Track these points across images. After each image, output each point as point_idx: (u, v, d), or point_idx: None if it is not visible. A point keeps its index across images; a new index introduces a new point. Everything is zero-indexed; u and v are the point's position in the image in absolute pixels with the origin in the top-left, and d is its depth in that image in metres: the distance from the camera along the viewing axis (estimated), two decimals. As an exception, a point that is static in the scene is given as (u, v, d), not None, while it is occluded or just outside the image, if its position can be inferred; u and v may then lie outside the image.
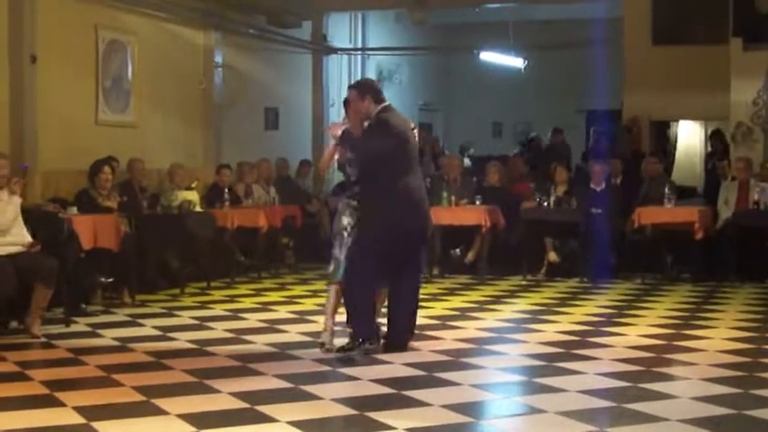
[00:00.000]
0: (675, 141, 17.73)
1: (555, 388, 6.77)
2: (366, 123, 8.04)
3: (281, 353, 8.04)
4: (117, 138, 12.53)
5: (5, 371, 7.38)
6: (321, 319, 9.41)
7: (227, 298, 11.13)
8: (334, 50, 18.54)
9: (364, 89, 8.16)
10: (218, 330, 9.07)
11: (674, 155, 17.41)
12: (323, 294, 11.22)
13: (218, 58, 14.85)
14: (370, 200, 7.98)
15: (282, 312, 10.11)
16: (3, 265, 8.51)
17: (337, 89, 18.45)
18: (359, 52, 19.49)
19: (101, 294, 10.47)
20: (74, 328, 9.16)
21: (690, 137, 18.31)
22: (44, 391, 6.67)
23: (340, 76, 18.81)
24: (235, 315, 9.95)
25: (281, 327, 9.24)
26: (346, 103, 8.27)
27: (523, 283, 12.50)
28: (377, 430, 5.73)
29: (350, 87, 8.41)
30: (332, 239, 8.15)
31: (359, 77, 19.40)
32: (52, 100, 11.56)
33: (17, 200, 8.87)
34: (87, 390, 6.79)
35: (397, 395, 6.58)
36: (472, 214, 12.84)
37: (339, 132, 8.05)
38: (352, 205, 8.02)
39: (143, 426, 5.84)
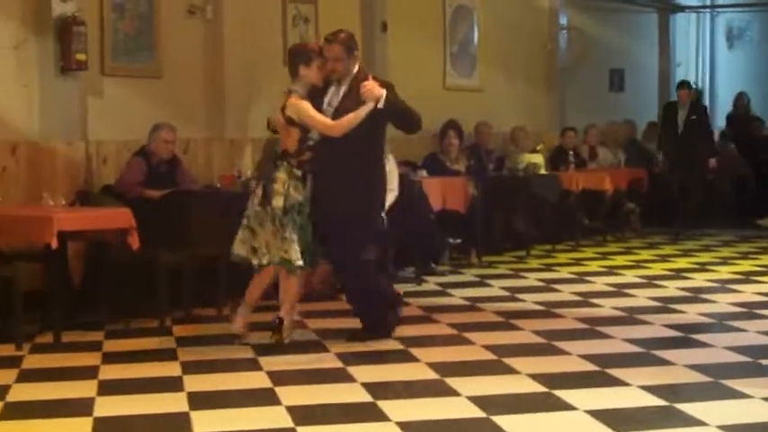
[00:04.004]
0: None
1: None
2: (346, 84, 7.01)
3: (629, 317, 7.94)
4: (463, 102, 12.73)
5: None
6: (665, 283, 9.24)
7: (572, 261, 11.10)
8: (682, 8, 17.97)
9: (353, 45, 7.07)
10: (565, 293, 9.08)
11: None
12: (672, 259, 11.04)
13: (563, 20, 14.78)
14: (377, 170, 7.17)
15: (629, 276, 9.96)
16: None
17: (684, 49, 17.90)
18: (707, 10, 18.80)
19: (449, 255, 10.72)
20: (424, 287, 9.44)
21: None
22: (399, 347, 6.92)
23: (687, 35, 18.23)
24: (581, 278, 9.91)
25: (629, 291, 9.11)
26: (302, 53, 7.05)
27: None
28: (733, 398, 5.57)
29: (331, 40, 6.97)
30: (279, 217, 6.80)
31: (707, 36, 18.77)
32: (402, 66, 11.86)
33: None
34: (440, 347, 7.02)
35: (753, 363, 6.37)
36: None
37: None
38: (296, 175, 6.89)
39: (495, 383, 5.94)
